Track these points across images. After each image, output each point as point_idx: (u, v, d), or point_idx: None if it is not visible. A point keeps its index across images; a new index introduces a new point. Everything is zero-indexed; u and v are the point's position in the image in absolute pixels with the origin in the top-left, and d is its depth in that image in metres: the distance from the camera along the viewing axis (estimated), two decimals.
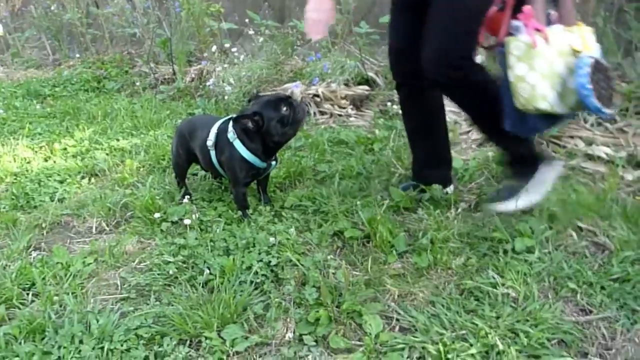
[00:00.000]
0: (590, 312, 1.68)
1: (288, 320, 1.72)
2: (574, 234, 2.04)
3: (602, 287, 1.77)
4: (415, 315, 1.69)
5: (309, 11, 2.05)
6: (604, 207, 2.19)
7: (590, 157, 2.69)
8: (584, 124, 2.95)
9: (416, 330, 1.64)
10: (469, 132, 3.18)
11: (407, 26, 2.12)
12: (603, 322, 1.64)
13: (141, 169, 3.06)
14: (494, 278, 1.81)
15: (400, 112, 2.45)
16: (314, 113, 3.85)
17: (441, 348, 1.52)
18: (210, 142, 2.31)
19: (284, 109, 2.21)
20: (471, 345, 1.53)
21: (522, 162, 2.13)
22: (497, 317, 1.63)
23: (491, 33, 1.85)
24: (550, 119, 1.86)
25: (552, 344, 1.54)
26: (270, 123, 2.20)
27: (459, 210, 2.28)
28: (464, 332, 1.59)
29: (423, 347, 1.55)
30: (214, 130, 2.32)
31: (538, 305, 1.67)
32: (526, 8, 1.71)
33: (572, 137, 2.87)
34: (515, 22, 1.73)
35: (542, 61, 1.70)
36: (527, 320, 1.61)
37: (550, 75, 1.71)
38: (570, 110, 1.81)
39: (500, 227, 2.06)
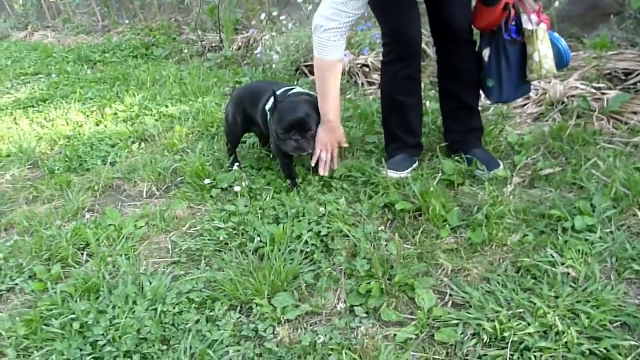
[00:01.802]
0: None
1: (339, 291, 1.70)
2: (638, 213, 1.94)
3: None
4: (469, 291, 1.65)
5: (321, 141, 2.27)
6: None
7: None
8: None
9: (470, 306, 1.60)
10: (524, 106, 3.06)
11: (418, 16, 2.29)
12: None
13: (190, 136, 3.07)
14: (552, 257, 1.74)
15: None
16: (362, 84, 3.78)
17: (497, 325, 1.48)
18: (268, 106, 2.29)
19: (281, 132, 2.19)
20: (529, 324, 1.48)
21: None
22: (556, 297, 1.58)
23: (489, 28, 2.24)
24: (529, 84, 2.37)
25: (614, 327, 1.47)
26: (272, 125, 2.23)
27: (514, 186, 2.21)
28: (521, 310, 1.54)
29: (478, 324, 1.51)
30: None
31: (600, 286, 1.60)
32: (535, 5, 2.18)
33: (635, 113, 2.73)
34: (532, 15, 2.17)
35: (548, 41, 2.19)
36: (588, 302, 1.55)
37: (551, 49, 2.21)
38: None
39: (559, 205, 1.98)
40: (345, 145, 2.39)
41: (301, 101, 2.23)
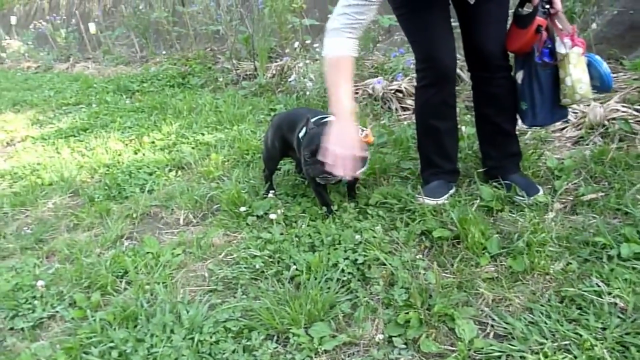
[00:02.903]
0: None
1: (376, 320, 1.67)
2: None
3: None
4: (511, 322, 1.60)
5: (333, 146, 1.95)
6: None
7: None
8: None
9: (513, 338, 1.55)
10: (563, 129, 3.00)
11: (452, 41, 2.28)
12: None
13: (226, 163, 3.10)
14: (598, 286, 1.68)
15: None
16: (396, 109, 3.78)
17: (542, 358, 1.43)
18: (302, 133, 2.30)
19: (307, 154, 2.17)
20: (575, 357, 1.43)
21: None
22: (604, 328, 1.51)
23: (522, 51, 2.22)
24: (566, 108, 2.31)
25: None
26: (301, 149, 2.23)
27: (555, 212, 2.15)
28: (566, 342, 1.49)
29: (521, 357, 1.46)
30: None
31: None
32: (569, 28, 2.13)
33: None
34: (565, 39, 2.12)
35: (583, 64, 2.13)
36: (638, 333, 1.48)
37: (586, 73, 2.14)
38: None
39: (604, 231, 1.92)
40: (370, 139, 2.17)
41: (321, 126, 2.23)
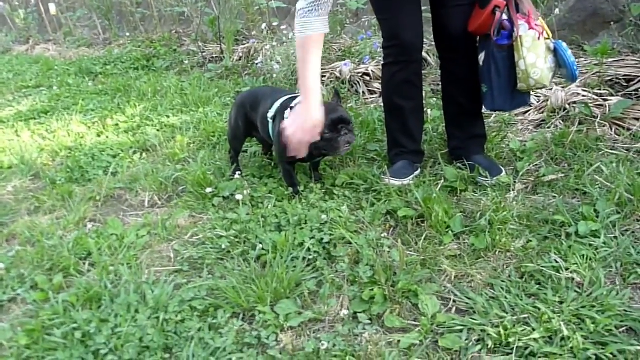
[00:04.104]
0: None
1: (342, 297, 1.69)
2: None
3: None
4: (473, 297, 1.64)
5: (292, 126, 2.08)
6: None
7: None
8: None
9: (474, 312, 1.58)
10: (526, 113, 3.06)
11: (418, 22, 2.29)
12: None
13: (191, 145, 3.07)
14: (556, 262, 1.73)
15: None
16: (363, 92, 3.79)
17: (502, 331, 1.46)
18: (270, 113, 2.29)
19: (326, 131, 2.13)
20: (534, 329, 1.47)
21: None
22: (561, 302, 1.56)
23: (480, 31, 2.23)
24: (527, 95, 2.32)
25: (620, 332, 1.46)
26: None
27: (517, 192, 2.20)
28: (525, 315, 1.53)
29: (482, 330, 1.49)
30: (277, 104, 2.30)
31: (605, 291, 1.59)
32: (527, 10, 2.13)
33: (637, 119, 2.73)
34: (520, 21, 2.12)
35: (540, 49, 2.12)
36: (593, 306, 1.53)
37: (544, 58, 2.14)
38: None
39: (563, 210, 1.98)
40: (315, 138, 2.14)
41: (330, 103, 2.25)
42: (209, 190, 2.37)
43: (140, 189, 2.58)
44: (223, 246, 1.98)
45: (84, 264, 2.00)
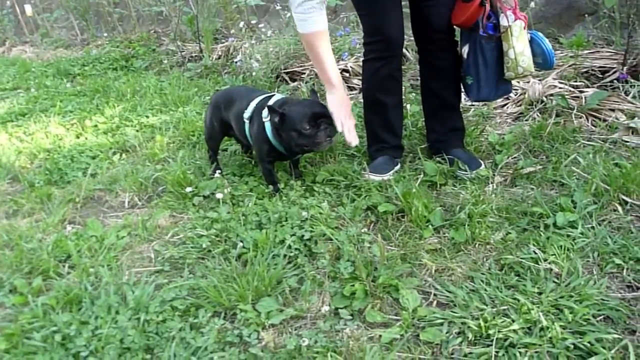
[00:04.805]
0: (638, 288, 1.62)
1: (323, 293, 1.69)
2: (618, 208, 1.97)
3: None
4: (453, 290, 1.65)
5: (336, 111, 2.22)
6: None
7: (632, 131, 2.59)
8: (625, 97, 2.84)
9: (455, 305, 1.60)
10: (504, 106, 3.09)
11: (400, 17, 2.31)
12: None
13: (171, 145, 3.05)
14: (535, 253, 1.75)
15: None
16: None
17: (482, 323, 1.48)
18: (247, 114, 2.29)
19: (307, 127, 2.14)
20: (513, 320, 1.49)
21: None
22: (540, 293, 1.58)
23: (466, 24, 2.24)
24: (509, 83, 2.36)
25: (598, 321, 1.48)
26: (288, 131, 2.17)
27: (496, 184, 2.22)
28: (505, 307, 1.55)
29: (463, 323, 1.51)
30: (252, 104, 2.30)
31: (582, 281, 1.61)
32: (512, 1, 2.17)
33: (612, 110, 2.76)
34: (508, 12, 2.16)
35: (526, 38, 2.19)
36: (571, 296, 1.56)
37: (529, 47, 2.20)
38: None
39: (541, 202, 2.00)
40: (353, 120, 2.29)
41: (308, 99, 2.27)
42: (189, 189, 2.36)
43: (120, 189, 2.56)
44: (204, 245, 1.97)
45: (64, 266, 1.98)
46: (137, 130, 3.40)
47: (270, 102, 2.21)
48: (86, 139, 3.35)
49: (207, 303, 1.67)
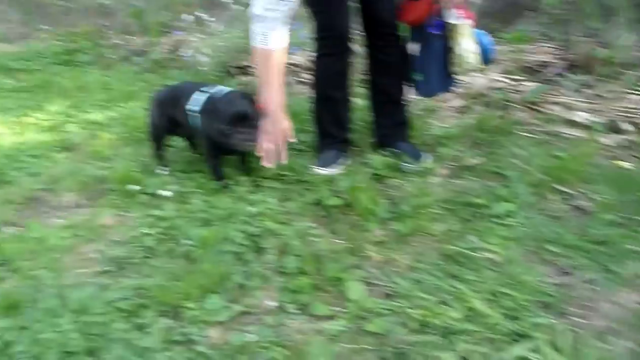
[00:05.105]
0: (571, 274, 1.69)
1: (269, 289, 1.70)
2: (554, 198, 2.05)
3: (582, 250, 1.78)
4: (397, 281, 1.69)
5: (263, 138, 2.19)
6: (584, 172, 2.20)
7: (569, 123, 2.69)
8: (563, 90, 2.95)
9: (399, 295, 1.63)
10: (449, 99, 3.15)
11: (348, 12, 2.32)
12: (583, 284, 1.65)
13: (117, 142, 2.99)
14: (475, 243, 1.81)
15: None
16: (293, 83, 3.79)
17: (424, 312, 1.52)
18: (197, 107, 2.26)
19: (226, 126, 2.12)
20: (453, 308, 1.53)
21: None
22: (479, 281, 1.64)
23: (417, 22, 2.29)
24: (455, 78, 2.41)
25: (533, 306, 1.54)
26: (211, 127, 2.17)
27: (440, 177, 2.27)
28: (446, 296, 1.59)
29: (406, 312, 1.55)
30: (202, 97, 2.27)
31: (520, 268, 1.68)
32: (458, 1, 2.21)
33: (551, 103, 2.87)
34: (455, 10, 2.21)
35: (472, 35, 2.24)
36: (509, 283, 1.62)
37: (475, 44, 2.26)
38: None
39: (482, 193, 2.06)
40: (292, 139, 2.31)
41: (238, 95, 2.23)
42: (134, 187, 2.32)
43: (63, 189, 2.49)
44: (149, 244, 1.95)
45: (3, 270, 1.92)
46: (81, 128, 3.31)
47: (210, 95, 2.20)
48: (27, 137, 3.24)
49: (152, 303, 1.65)
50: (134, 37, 5.37)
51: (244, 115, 2.14)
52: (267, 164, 2.23)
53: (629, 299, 1.59)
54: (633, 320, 1.50)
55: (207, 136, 2.25)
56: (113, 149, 2.87)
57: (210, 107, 2.18)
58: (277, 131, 2.22)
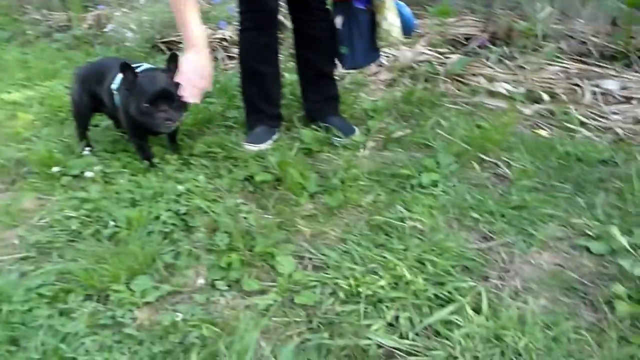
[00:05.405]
0: (492, 238, 1.77)
1: (199, 267, 1.69)
2: (477, 166, 2.12)
3: (502, 215, 1.86)
4: (327, 253, 1.71)
5: (187, 72, 2.04)
6: (505, 141, 2.29)
7: (491, 94, 2.78)
8: (486, 62, 3.04)
9: (328, 267, 1.66)
10: (377, 73, 3.19)
11: None
12: (503, 247, 1.73)
13: (36, 122, 2.85)
14: (401, 212, 1.86)
15: None
16: (222, 58, 3.73)
17: (352, 282, 1.55)
18: (115, 85, 2.18)
19: (145, 106, 2.04)
20: (381, 277, 1.57)
21: None
22: (405, 250, 1.68)
23: None
24: (379, 50, 2.47)
25: (456, 271, 1.61)
26: (131, 107, 2.09)
27: (368, 149, 2.31)
28: (374, 265, 1.63)
29: (335, 283, 1.58)
30: (120, 75, 2.16)
31: (443, 235, 1.74)
32: None
33: (474, 74, 2.95)
34: None
35: (395, 9, 2.28)
36: (433, 250, 1.67)
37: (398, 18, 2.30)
38: None
39: (408, 164, 2.11)
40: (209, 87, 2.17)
41: (159, 73, 2.14)
42: (56, 169, 2.23)
43: None
44: (73, 227, 1.88)
45: None
46: None
47: (139, 70, 2.13)
48: None
49: (77, 287, 1.61)
50: (55, 12, 5.11)
51: (165, 91, 2.06)
52: (193, 100, 2.09)
53: (545, 259, 1.69)
54: (548, 279, 1.59)
55: (127, 115, 2.18)
56: (33, 130, 2.74)
57: (133, 85, 2.10)
58: (203, 67, 2.09)
